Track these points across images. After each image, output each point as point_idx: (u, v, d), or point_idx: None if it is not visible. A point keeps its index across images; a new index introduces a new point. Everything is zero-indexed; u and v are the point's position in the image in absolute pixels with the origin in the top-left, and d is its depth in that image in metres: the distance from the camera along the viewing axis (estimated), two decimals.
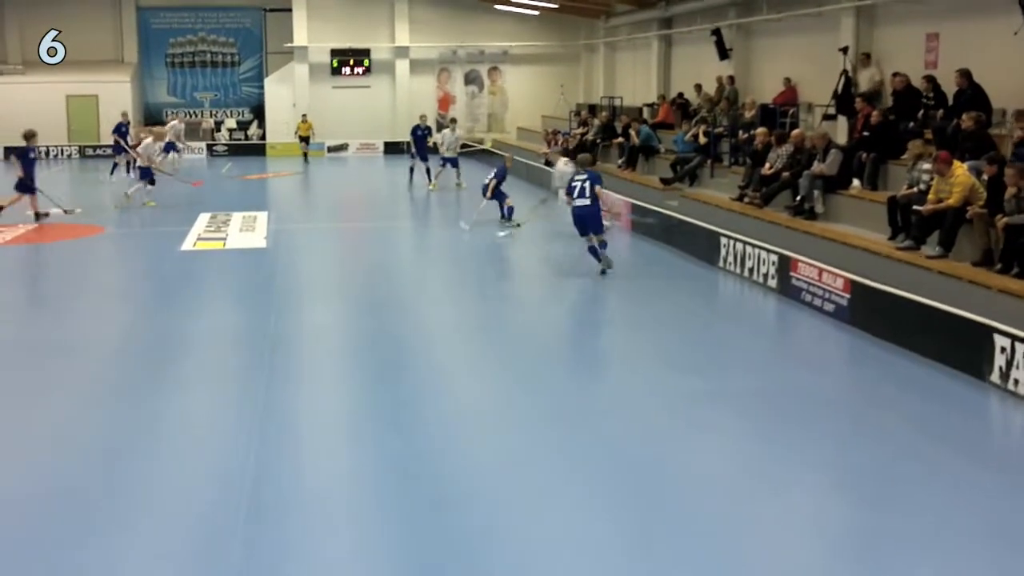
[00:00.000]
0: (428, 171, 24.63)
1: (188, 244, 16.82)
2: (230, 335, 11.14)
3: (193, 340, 10.91)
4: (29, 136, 19.42)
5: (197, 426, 8.15)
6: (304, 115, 33.57)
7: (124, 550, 5.95)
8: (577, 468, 7.24)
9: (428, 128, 27.20)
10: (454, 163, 24.40)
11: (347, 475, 7.19)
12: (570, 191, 13.84)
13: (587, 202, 13.59)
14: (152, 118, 36.89)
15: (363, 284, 14.40)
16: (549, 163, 24.33)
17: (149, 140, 22.19)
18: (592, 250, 13.92)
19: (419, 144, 25.23)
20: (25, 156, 19.05)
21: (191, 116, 37.71)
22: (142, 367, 9.93)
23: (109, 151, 28.99)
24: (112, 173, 26.67)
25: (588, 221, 13.73)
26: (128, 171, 25.43)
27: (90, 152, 33.89)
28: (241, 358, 10.15)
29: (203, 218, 19.47)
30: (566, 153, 23.22)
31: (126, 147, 25.64)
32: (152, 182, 21.25)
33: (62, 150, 34.53)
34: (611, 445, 7.66)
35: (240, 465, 7.14)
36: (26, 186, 18.70)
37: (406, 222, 21.23)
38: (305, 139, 33.10)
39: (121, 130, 26.80)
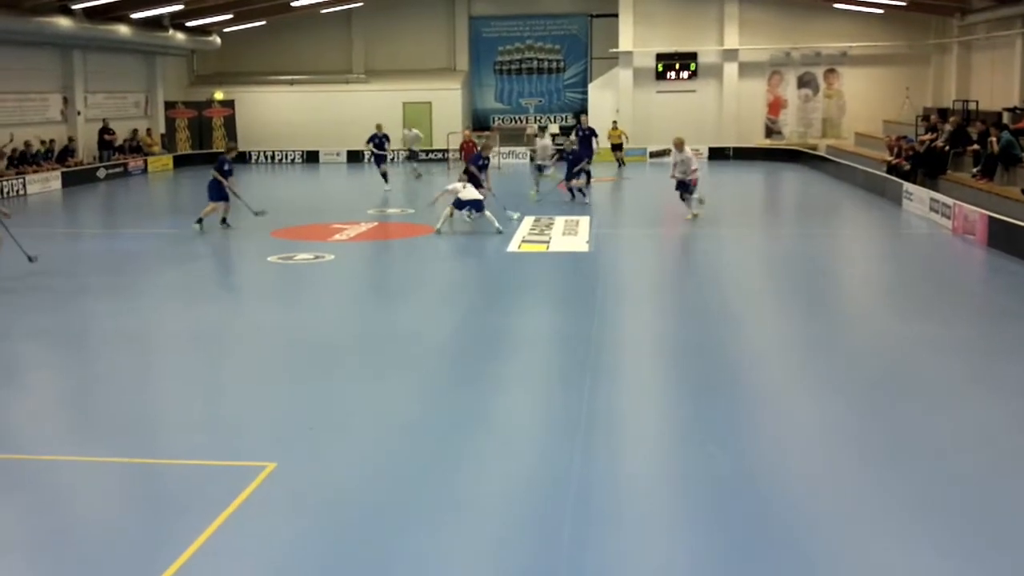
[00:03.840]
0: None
1: (513, 246, 16.86)
2: (552, 336, 10.98)
3: (516, 339, 10.92)
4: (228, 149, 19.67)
5: (522, 425, 8.09)
6: (615, 122, 33.19)
7: (449, 547, 5.88)
8: (922, 508, 6.35)
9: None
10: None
11: (671, 484, 6.86)
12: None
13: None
14: (480, 124, 38.05)
15: (684, 291, 13.88)
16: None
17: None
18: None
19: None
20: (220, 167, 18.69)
21: (515, 122, 38.56)
22: (466, 362, 10.05)
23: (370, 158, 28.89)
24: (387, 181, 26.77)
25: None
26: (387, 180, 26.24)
27: (423, 156, 34.97)
28: (563, 360, 9.99)
29: (527, 221, 19.51)
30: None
31: (379, 155, 26.64)
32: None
33: (398, 154, 36.21)
34: (966, 484, 6.71)
35: (566, 468, 6.98)
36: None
37: (725, 228, 20.19)
38: (617, 146, 32.61)
39: (375, 141, 27.07)
